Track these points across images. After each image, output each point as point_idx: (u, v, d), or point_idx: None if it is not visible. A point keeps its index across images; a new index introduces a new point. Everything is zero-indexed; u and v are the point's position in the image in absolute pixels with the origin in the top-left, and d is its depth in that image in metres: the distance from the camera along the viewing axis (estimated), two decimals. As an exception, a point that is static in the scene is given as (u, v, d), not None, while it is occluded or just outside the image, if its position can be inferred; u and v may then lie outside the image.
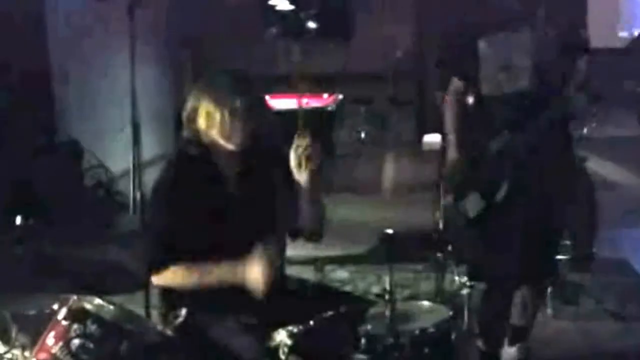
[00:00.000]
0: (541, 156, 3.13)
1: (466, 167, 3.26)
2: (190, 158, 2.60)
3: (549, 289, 3.95)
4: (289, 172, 2.58)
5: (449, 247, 4.02)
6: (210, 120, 2.55)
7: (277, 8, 9.37)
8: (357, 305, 2.68)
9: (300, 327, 2.35)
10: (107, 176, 6.53)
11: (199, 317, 2.52)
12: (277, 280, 2.49)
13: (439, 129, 3.88)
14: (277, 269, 2.50)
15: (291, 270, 2.85)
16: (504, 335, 3.42)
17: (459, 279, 3.99)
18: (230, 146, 2.58)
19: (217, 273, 2.51)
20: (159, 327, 2.46)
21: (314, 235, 2.74)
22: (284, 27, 9.43)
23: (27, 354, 2.36)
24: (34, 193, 5.68)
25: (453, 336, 2.64)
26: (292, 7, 9.38)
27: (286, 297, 2.57)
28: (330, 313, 2.44)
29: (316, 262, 4.44)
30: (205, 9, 8.91)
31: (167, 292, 2.63)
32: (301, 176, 2.57)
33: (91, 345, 2.21)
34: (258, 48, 8.65)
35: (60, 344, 2.22)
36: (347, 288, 4.42)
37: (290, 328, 2.35)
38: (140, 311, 3.16)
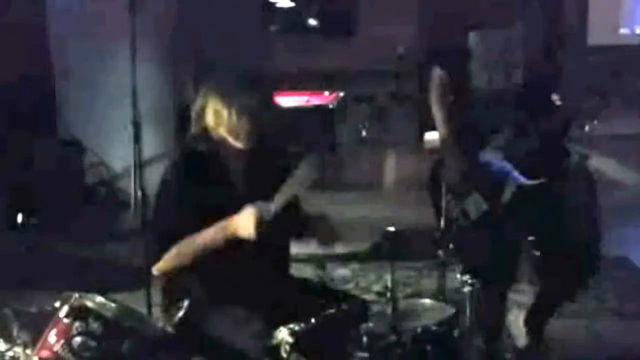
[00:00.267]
0: (541, 156, 3.12)
1: (463, 166, 3.23)
2: (197, 155, 2.60)
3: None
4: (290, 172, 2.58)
5: (451, 245, 4.02)
6: (218, 118, 2.55)
7: (278, 5, 9.37)
8: (359, 304, 2.69)
9: (302, 325, 2.36)
10: (108, 174, 6.53)
11: (200, 310, 2.52)
12: (267, 229, 2.46)
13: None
14: (267, 221, 2.47)
15: (293, 268, 2.86)
16: (501, 334, 3.42)
17: (461, 277, 3.98)
18: (238, 144, 2.58)
19: (211, 233, 2.49)
20: (160, 325, 2.46)
21: (326, 245, 2.77)
22: (285, 24, 9.43)
23: (28, 351, 2.36)
24: (36, 191, 5.68)
25: (455, 334, 2.64)
26: (293, 4, 9.38)
27: (288, 295, 2.57)
28: (332, 311, 2.44)
29: (318, 260, 4.43)
30: (206, 7, 8.90)
31: (169, 286, 2.63)
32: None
33: (93, 343, 2.22)
34: (259, 45, 8.63)
35: (62, 341, 2.23)
36: (349, 286, 4.42)
37: (292, 326, 2.35)
38: (142, 309, 3.16)
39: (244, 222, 2.44)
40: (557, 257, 3.22)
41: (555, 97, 3.11)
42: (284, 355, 2.31)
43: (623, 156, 7.45)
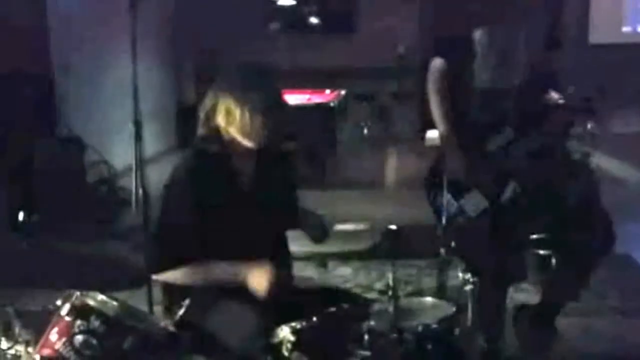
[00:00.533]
0: (543, 155, 3.12)
1: (464, 163, 3.22)
2: (207, 154, 2.58)
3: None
4: (294, 172, 2.59)
5: (452, 243, 4.01)
6: (229, 117, 2.53)
7: (279, 3, 9.37)
8: (360, 302, 2.68)
9: (304, 323, 2.35)
10: (110, 172, 6.53)
11: (201, 309, 2.52)
12: (280, 286, 2.49)
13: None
14: (281, 278, 2.50)
15: (294, 266, 2.85)
16: (503, 332, 3.42)
17: (463, 275, 3.97)
18: (249, 144, 2.56)
19: (220, 273, 2.51)
20: (162, 323, 2.47)
21: (317, 240, 2.77)
22: (286, 22, 9.43)
23: (30, 349, 2.36)
24: (37, 190, 5.69)
25: (456, 332, 2.64)
26: (294, 2, 9.38)
27: (289, 294, 2.57)
28: (333, 309, 2.44)
29: (319, 258, 4.43)
30: (207, 6, 8.90)
31: (170, 285, 2.63)
32: None
33: (94, 341, 2.21)
34: (260, 43, 8.62)
35: (64, 339, 2.23)
36: (350, 284, 4.42)
37: (293, 324, 2.35)
38: (143, 307, 3.16)
39: (258, 281, 2.45)
40: (560, 256, 3.22)
41: (557, 96, 3.10)
42: (286, 353, 2.31)
43: (625, 154, 7.44)
